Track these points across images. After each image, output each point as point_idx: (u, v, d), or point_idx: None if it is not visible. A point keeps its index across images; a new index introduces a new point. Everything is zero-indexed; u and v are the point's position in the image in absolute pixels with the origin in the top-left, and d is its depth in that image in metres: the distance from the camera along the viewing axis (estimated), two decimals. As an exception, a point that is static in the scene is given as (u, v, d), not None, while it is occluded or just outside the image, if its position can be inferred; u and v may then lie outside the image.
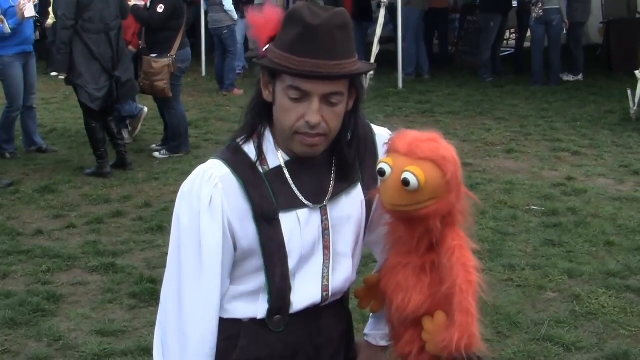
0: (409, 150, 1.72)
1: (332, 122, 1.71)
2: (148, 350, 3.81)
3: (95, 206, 6.16)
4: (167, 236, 6.01)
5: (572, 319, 4.10)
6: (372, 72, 1.81)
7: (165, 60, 7.24)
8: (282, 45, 1.68)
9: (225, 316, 1.80)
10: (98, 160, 6.98)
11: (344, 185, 1.82)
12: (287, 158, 1.77)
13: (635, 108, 8.85)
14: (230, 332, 1.80)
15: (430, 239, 1.77)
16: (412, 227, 1.77)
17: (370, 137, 1.88)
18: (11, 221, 5.80)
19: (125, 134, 7.92)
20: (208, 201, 1.73)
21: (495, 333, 3.92)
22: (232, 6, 10.58)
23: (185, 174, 6.72)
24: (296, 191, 1.77)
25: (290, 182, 1.77)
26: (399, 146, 1.74)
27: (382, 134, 1.91)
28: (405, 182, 1.68)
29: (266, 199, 1.74)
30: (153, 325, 4.37)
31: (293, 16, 1.67)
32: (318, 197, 1.79)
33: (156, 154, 7.67)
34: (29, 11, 7.33)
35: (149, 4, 7.36)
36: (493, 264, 4.76)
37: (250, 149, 1.78)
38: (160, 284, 5.09)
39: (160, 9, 7.19)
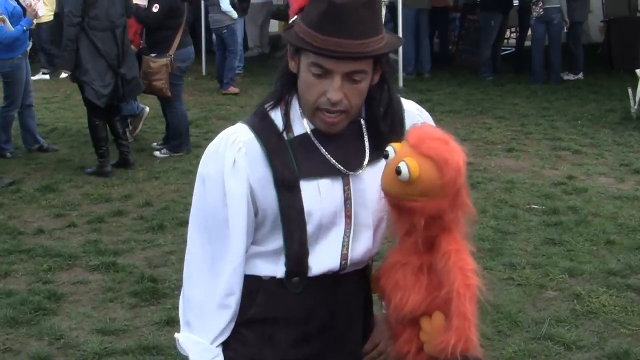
0: (415, 143, 1.72)
1: (354, 99, 1.73)
2: (149, 349, 3.82)
3: (96, 205, 6.16)
4: (168, 235, 6.03)
5: (572, 317, 4.10)
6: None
7: (162, 60, 7.24)
8: (307, 21, 1.68)
9: (247, 272, 1.83)
10: (99, 159, 6.98)
11: (373, 156, 1.83)
12: (312, 127, 1.79)
13: (636, 107, 8.84)
14: (251, 287, 1.83)
15: (416, 237, 1.77)
16: (399, 217, 1.79)
17: (401, 112, 1.90)
18: (12, 220, 5.80)
19: (126, 133, 7.92)
20: (232, 162, 1.76)
21: (495, 332, 3.93)
22: (229, 6, 10.53)
23: (186, 173, 6.71)
24: (328, 156, 1.78)
25: (321, 148, 1.78)
26: (410, 136, 1.75)
27: (410, 110, 1.94)
28: (397, 171, 1.70)
29: (288, 166, 1.76)
30: (154, 324, 4.40)
31: None
32: (346, 166, 1.80)
33: (157, 153, 7.68)
34: (41, 10, 7.38)
35: (146, 3, 7.36)
36: (493, 263, 4.77)
37: (277, 116, 1.80)
38: (161, 283, 5.12)
39: (155, 8, 7.19)
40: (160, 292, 4.44)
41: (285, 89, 1.80)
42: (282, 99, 1.80)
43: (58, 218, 5.86)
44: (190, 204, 1.86)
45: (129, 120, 8.22)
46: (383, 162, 1.81)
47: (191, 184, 1.89)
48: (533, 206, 5.90)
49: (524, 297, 4.35)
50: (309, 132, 1.79)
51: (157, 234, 5.45)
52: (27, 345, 3.92)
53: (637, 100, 8.84)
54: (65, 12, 6.72)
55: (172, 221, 5.59)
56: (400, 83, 11.06)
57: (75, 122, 9.19)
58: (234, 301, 1.81)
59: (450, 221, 1.75)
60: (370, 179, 1.82)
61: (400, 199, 1.74)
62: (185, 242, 1.87)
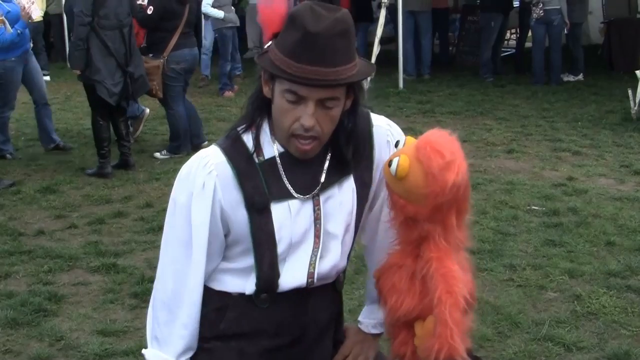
0: (419, 146, 1.76)
1: (326, 126, 1.76)
2: (149, 350, 3.81)
3: (97, 206, 6.17)
4: (168, 236, 5.84)
5: (572, 318, 4.10)
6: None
7: (155, 62, 7.26)
8: (282, 48, 1.71)
9: (217, 288, 1.88)
10: (100, 160, 6.99)
11: (336, 177, 1.86)
12: (281, 150, 1.82)
13: (636, 108, 8.84)
14: (220, 303, 1.88)
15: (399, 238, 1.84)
16: (391, 205, 1.85)
17: (368, 128, 1.92)
18: (13, 221, 5.81)
19: (129, 134, 7.92)
20: (201, 186, 1.80)
21: (496, 333, 3.93)
22: (210, 8, 10.44)
23: (187, 174, 6.45)
24: (287, 184, 1.81)
25: (283, 174, 1.82)
26: (422, 136, 1.80)
27: (380, 125, 1.95)
28: (389, 163, 1.77)
29: (258, 189, 1.80)
30: (154, 325, 4.32)
31: (295, 19, 1.69)
32: (309, 189, 1.83)
33: (157, 154, 7.68)
34: (35, 12, 7.36)
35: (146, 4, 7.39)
36: (494, 264, 4.77)
37: (248, 139, 1.84)
38: (162, 284, 4.99)
39: (149, 10, 7.23)
40: (160, 293, 4.44)
41: (257, 113, 1.83)
42: (253, 123, 1.83)
43: (58, 219, 5.87)
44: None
45: (129, 122, 8.22)
46: (349, 180, 1.86)
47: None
48: (533, 207, 5.90)
49: (524, 298, 4.35)
50: (276, 156, 1.81)
51: (157, 235, 5.44)
52: (28, 346, 3.92)
53: (637, 101, 8.84)
54: (75, 12, 6.75)
55: (173, 222, 5.58)
56: (401, 84, 11.07)
57: (75, 124, 9.20)
58: (194, 320, 1.87)
59: (428, 231, 1.76)
60: (339, 198, 1.85)
61: (389, 187, 1.80)
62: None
